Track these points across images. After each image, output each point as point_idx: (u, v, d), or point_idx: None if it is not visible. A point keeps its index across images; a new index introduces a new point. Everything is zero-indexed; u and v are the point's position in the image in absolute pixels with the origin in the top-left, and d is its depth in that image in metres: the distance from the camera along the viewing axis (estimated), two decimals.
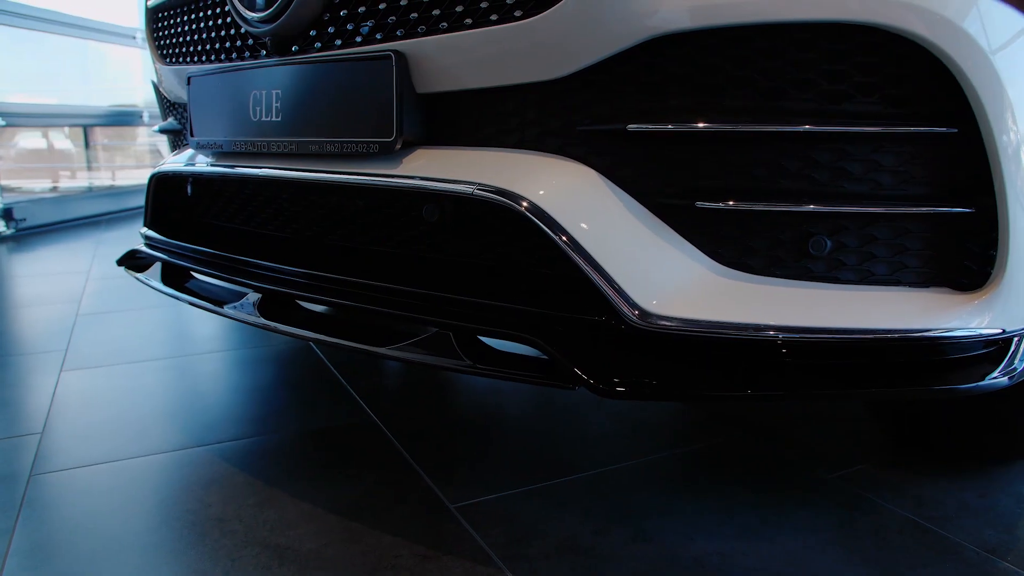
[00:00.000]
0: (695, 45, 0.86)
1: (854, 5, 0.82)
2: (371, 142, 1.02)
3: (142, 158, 5.95)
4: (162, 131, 1.60)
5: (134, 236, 4.23)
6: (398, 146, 1.00)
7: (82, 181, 5.26)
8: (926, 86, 0.86)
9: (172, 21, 1.41)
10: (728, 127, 0.87)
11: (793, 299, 0.90)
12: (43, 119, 4.81)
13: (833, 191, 0.89)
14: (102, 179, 5.41)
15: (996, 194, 0.88)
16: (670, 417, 1.52)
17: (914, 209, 0.89)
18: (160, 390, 1.66)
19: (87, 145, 5.23)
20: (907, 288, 0.92)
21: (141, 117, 5.24)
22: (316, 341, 1.06)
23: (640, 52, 0.88)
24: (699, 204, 0.90)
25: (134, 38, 5.03)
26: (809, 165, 0.88)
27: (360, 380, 1.71)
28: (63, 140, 5.43)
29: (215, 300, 1.24)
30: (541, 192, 0.91)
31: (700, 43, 0.86)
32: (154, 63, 1.51)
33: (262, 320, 1.13)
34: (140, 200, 4.96)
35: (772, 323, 0.88)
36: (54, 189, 5.21)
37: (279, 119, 1.13)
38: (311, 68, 1.08)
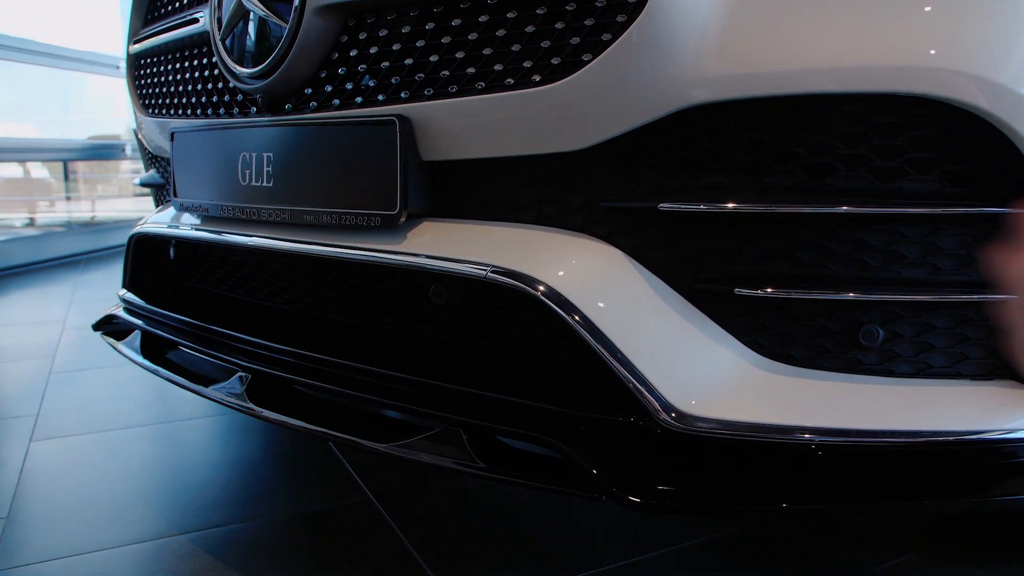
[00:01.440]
0: (734, 117, 0.82)
1: (907, 76, 0.78)
2: (372, 214, 0.97)
3: (125, 188, 5.92)
4: (144, 185, 1.55)
5: (114, 279, 4.19)
6: (402, 219, 0.95)
7: (61, 215, 5.23)
8: (988, 162, 0.81)
9: (155, 70, 1.37)
10: (770, 207, 0.82)
11: (843, 396, 0.84)
12: (20, 154, 4.79)
13: (887, 277, 0.84)
14: (82, 213, 5.37)
15: None
16: None
17: (976, 296, 0.84)
18: (138, 464, 1.59)
19: (66, 177, 5.20)
20: (968, 382, 0.87)
21: (124, 150, 5.22)
22: (311, 433, 1.00)
23: (672, 123, 0.83)
24: (738, 291, 0.84)
25: (117, 67, 5.03)
26: (860, 248, 0.83)
27: (356, 452, 1.64)
28: (41, 171, 5.40)
29: (199, 378, 1.18)
30: (561, 276, 0.85)
31: (739, 115, 0.82)
32: (135, 113, 1.47)
33: (250, 406, 1.07)
34: (122, 238, 4.93)
35: (821, 425, 0.82)
36: (31, 224, 5.17)
37: (271, 184, 1.08)
38: (306, 130, 1.03)
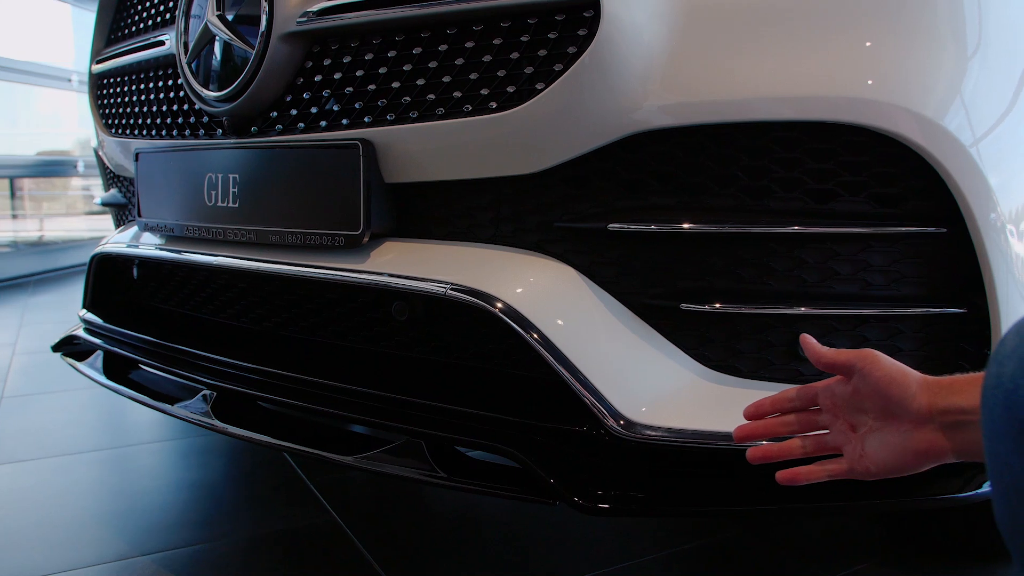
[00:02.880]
0: (678, 142, 0.92)
1: (835, 106, 0.88)
2: (336, 235, 1.05)
3: (74, 207, 5.92)
4: (105, 204, 1.61)
5: (65, 301, 4.20)
6: (365, 239, 1.03)
7: (6, 235, 5.21)
8: (913, 184, 0.91)
9: (119, 90, 1.45)
10: (713, 227, 0.92)
11: None
12: None
13: (823, 292, 0.94)
14: (29, 233, 5.37)
15: (987, 293, 0.93)
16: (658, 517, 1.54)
17: (906, 311, 0.94)
18: (95, 488, 1.64)
19: (12, 195, 5.20)
20: None
21: (76, 167, 5.23)
22: (276, 447, 1.07)
23: (620, 148, 0.93)
24: (684, 306, 0.94)
25: (69, 80, 5.06)
26: (797, 266, 0.93)
27: (320, 474, 1.71)
28: None
29: (163, 396, 1.25)
30: (518, 292, 0.94)
31: (683, 140, 0.91)
32: (97, 132, 1.54)
33: (215, 422, 1.14)
34: (72, 258, 4.93)
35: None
36: None
37: (236, 205, 1.15)
38: (272, 152, 1.11)
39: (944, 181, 0.90)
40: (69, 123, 5.53)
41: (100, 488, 1.64)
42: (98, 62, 1.50)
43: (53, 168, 5.30)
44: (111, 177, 1.62)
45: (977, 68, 0.92)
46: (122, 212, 1.61)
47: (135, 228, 1.47)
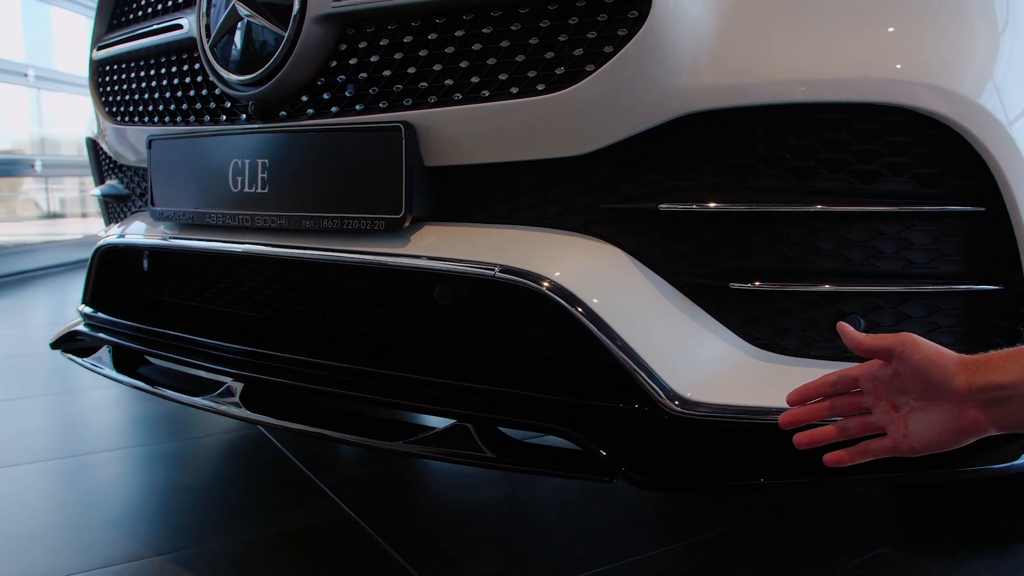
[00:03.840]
0: (726, 123, 0.96)
1: (879, 87, 0.93)
2: (376, 218, 1.07)
3: (25, 210, 5.79)
4: (104, 197, 1.61)
5: (19, 309, 4.12)
6: (407, 223, 1.06)
7: None
8: (953, 164, 0.97)
9: (127, 76, 1.45)
10: (761, 207, 0.96)
11: None
12: None
13: (866, 270, 0.99)
14: None
15: (1023, 270, 0.99)
16: (674, 505, 1.58)
17: (945, 287, 0.99)
18: (96, 492, 1.63)
19: None
20: None
21: (33, 166, 5.12)
22: (316, 436, 1.08)
23: (670, 129, 0.97)
24: (733, 285, 0.98)
25: (25, 76, 4.96)
26: (842, 245, 0.98)
27: (329, 473, 1.71)
28: None
29: (184, 389, 1.25)
30: (569, 274, 0.97)
31: (731, 122, 0.96)
32: (98, 120, 1.54)
33: (245, 412, 1.15)
34: (21, 263, 4.83)
35: None
36: None
37: (266, 191, 1.17)
38: (306, 136, 1.13)
39: (983, 160, 0.95)
40: (22, 121, 5.41)
41: (102, 492, 1.63)
42: (100, 48, 1.50)
43: (7, 168, 5.17)
44: (110, 167, 1.61)
45: (1008, 48, 0.98)
46: (121, 205, 1.60)
47: (139, 220, 1.47)
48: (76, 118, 6.48)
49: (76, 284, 5.32)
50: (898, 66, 0.93)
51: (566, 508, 1.55)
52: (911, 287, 0.99)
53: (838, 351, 1.01)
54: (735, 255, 0.98)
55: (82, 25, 6.49)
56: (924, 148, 0.96)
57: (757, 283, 0.98)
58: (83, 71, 1.57)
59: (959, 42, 0.95)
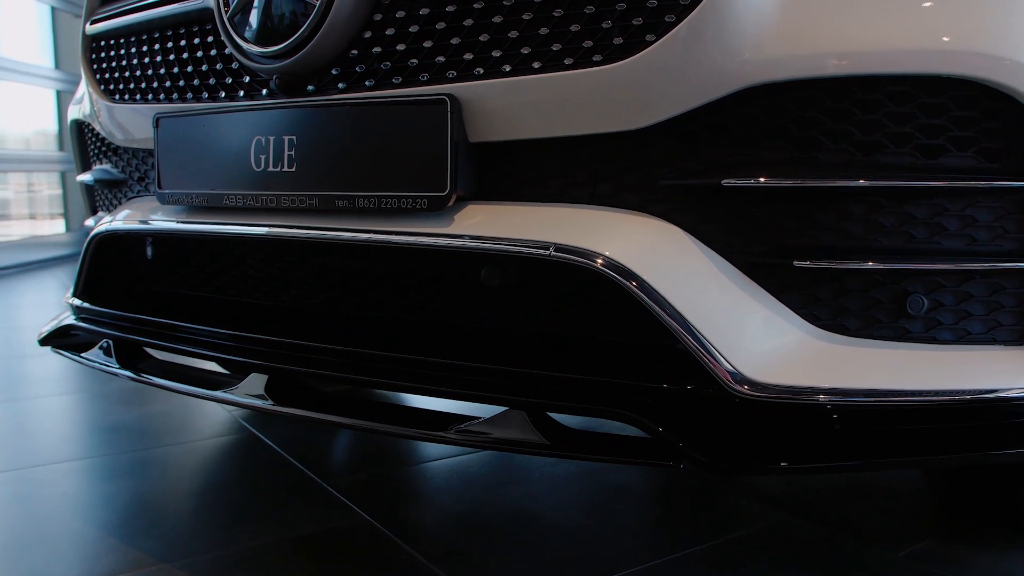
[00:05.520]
0: (791, 96, 0.98)
1: (948, 59, 0.96)
2: (419, 197, 1.07)
3: None
4: (96, 182, 1.58)
5: None
6: (451, 201, 1.06)
7: None
8: (1020, 139, 1.00)
9: (126, 51, 1.42)
10: (826, 182, 0.98)
11: (897, 362, 1.01)
12: None
13: (929, 248, 1.01)
14: None
15: None
16: (700, 502, 1.60)
17: (1009, 264, 1.02)
18: (93, 498, 1.60)
19: None
20: (1002, 347, 1.05)
21: None
22: (353, 428, 1.08)
23: (733, 102, 0.98)
24: (797, 264, 0.99)
25: None
26: (906, 221, 1.00)
27: (334, 476, 1.70)
28: None
29: (199, 383, 1.24)
30: (629, 252, 0.98)
31: (796, 95, 0.97)
32: (91, 100, 1.51)
33: (272, 406, 1.14)
34: None
35: (879, 387, 0.98)
36: None
37: (293, 169, 1.16)
38: (339, 111, 1.13)
39: None
40: None
41: (98, 498, 1.60)
42: (94, 22, 1.48)
43: None
44: (102, 151, 1.58)
45: None
46: (114, 191, 1.57)
47: (139, 205, 1.44)
48: (22, 110, 6.35)
49: (24, 289, 5.20)
50: (965, 37, 0.96)
51: (590, 508, 1.56)
52: (975, 265, 1.01)
53: (900, 331, 1.03)
54: (798, 233, 1.00)
55: (30, 7, 6.36)
56: (990, 122, 0.99)
57: (820, 261, 1.00)
58: (31, 57, 1.55)
59: None
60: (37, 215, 6.59)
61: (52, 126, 6.86)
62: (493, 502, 1.59)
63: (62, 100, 6.60)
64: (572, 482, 1.67)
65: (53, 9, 6.72)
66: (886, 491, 1.64)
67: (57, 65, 6.77)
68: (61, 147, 6.63)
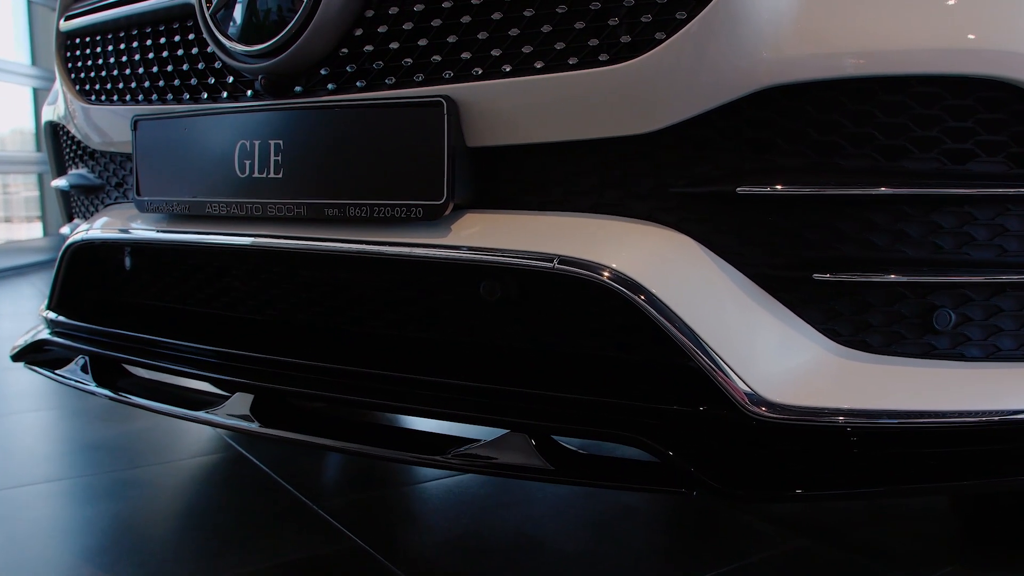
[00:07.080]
0: (811, 98, 0.96)
1: (971, 58, 0.94)
2: (413, 205, 1.05)
3: None
4: (72, 187, 1.56)
5: None
6: (448, 210, 1.03)
7: None
8: None
9: (103, 49, 1.40)
10: (848, 190, 0.96)
11: (921, 380, 0.99)
12: None
13: (957, 259, 0.99)
14: None
15: None
16: (712, 525, 1.58)
17: None
18: (72, 522, 1.58)
19: None
20: None
21: None
22: (344, 451, 1.05)
23: (748, 104, 0.96)
24: (816, 276, 0.97)
25: None
26: (933, 231, 0.98)
27: (324, 498, 1.68)
28: None
29: (180, 402, 1.21)
30: (640, 266, 0.96)
31: (816, 96, 0.95)
32: (66, 101, 1.49)
33: (258, 427, 1.11)
34: None
35: (904, 408, 0.96)
36: None
37: (280, 176, 1.14)
38: (329, 114, 1.11)
39: None
40: None
41: (78, 522, 1.58)
42: (68, 18, 1.46)
43: None
44: (78, 155, 1.56)
45: None
46: (90, 197, 1.55)
47: (117, 213, 1.42)
48: None
49: None
50: (995, 37, 0.94)
51: (595, 531, 1.54)
52: (1005, 276, 0.99)
53: (926, 348, 1.01)
54: (818, 243, 0.98)
55: (5, 1, 6.34)
56: (1021, 125, 0.97)
57: (841, 274, 0.98)
58: (6, 54, 1.53)
59: None
60: (13, 218, 6.56)
61: (29, 125, 6.84)
62: (492, 525, 1.57)
63: (39, 98, 6.58)
64: (576, 503, 1.65)
65: (29, 3, 6.71)
66: (909, 513, 1.62)
67: (34, 61, 6.75)
68: (39, 147, 6.61)
